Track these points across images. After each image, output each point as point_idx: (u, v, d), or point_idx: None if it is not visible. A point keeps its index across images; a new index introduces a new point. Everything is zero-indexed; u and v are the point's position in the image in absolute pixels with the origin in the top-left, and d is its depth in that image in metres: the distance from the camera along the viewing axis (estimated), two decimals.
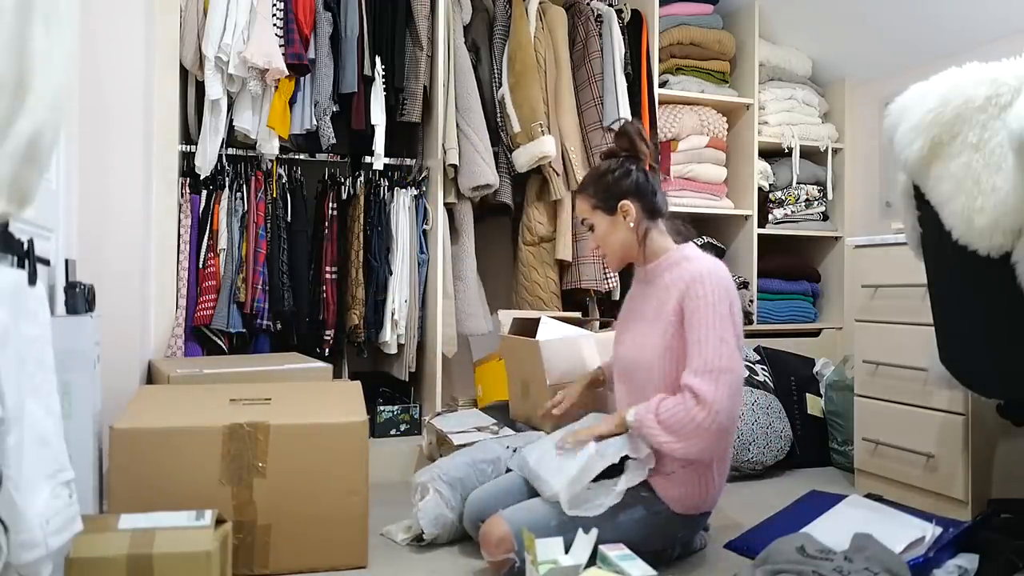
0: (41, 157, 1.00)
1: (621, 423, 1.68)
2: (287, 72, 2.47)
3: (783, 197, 3.36)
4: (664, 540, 1.71)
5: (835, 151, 3.43)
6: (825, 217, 3.45)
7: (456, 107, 2.75)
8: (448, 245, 2.81)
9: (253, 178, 2.59)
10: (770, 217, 3.33)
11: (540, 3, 2.90)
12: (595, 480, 1.63)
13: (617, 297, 2.97)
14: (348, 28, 2.63)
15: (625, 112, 2.93)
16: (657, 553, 1.70)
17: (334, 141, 2.64)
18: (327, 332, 2.68)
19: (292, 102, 2.57)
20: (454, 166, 2.72)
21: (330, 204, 2.72)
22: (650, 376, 1.69)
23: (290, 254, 2.63)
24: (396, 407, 2.73)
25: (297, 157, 2.77)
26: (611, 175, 1.76)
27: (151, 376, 2.21)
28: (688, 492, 1.68)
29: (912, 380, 2.16)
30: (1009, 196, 1.33)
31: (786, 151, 3.35)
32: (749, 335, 3.20)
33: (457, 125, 2.73)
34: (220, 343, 2.53)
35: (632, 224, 1.76)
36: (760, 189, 3.28)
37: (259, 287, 2.53)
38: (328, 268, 2.68)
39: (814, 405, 2.78)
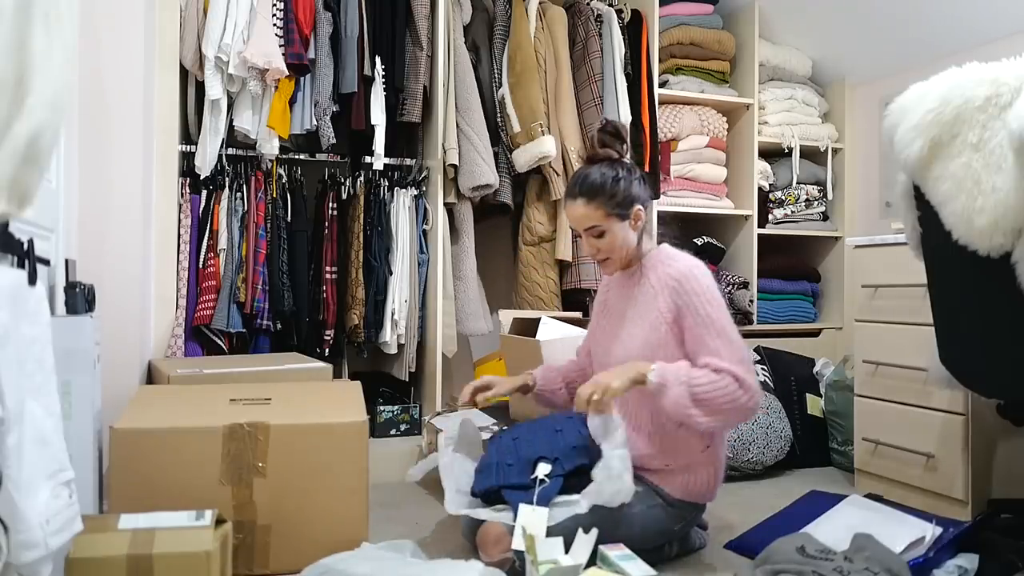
0: (41, 157, 1.00)
1: (639, 378, 1.61)
2: (287, 72, 2.47)
3: (783, 197, 3.36)
4: (662, 535, 1.72)
5: (835, 151, 3.43)
6: (825, 217, 3.45)
7: (456, 107, 2.74)
8: (448, 245, 2.81)
9: (253, 178, 2.58)
10: (770, 217, 3.33)
11: (540, 3, 2.90)
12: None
13: None
14: (348, 28, 2.63)
15: (625, 112, 2.93)
16: (655, 551, 1.71)
17: (334, 141, 2.64)
18: (327, 332, 2.68)
19: (292, 102, 2.57)
20: (454, 166, 2.72)
21: (330, 204, 2.72)
22: None
23: (290, 254, 2.63)
24: (396, 407, 2.73)
25: (297, 157, 2.77)
26: (622, 181, 1.73)
27: (151, 376, 2.21)
28: (688, 480, 1.71)
29: (912, 380, 2.16)
30: (1009, 196, 1.33)
31: (786, 151, 3.35)
32: (749, 335, 3.19)
33: (457, 125, 2.73)
34: (220, 343, 2.53)
35: (639, 228, 1.77)
36: (760, 189, 3.28)
37: (259, 287, 2.53)
38: (328, 268, 2.68)
39: (814, 405, 2.78)
